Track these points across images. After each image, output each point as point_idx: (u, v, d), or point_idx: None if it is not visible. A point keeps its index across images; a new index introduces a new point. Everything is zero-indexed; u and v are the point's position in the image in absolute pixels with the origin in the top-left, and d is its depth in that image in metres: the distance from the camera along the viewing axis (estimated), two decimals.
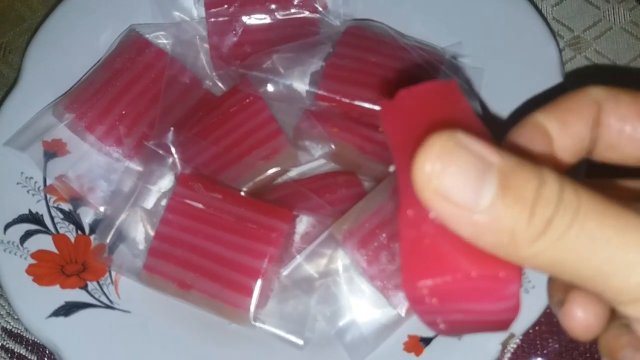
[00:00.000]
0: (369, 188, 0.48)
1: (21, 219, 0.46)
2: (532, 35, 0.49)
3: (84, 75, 0.50)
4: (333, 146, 0.48)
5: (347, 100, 0.46)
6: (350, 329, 0.44)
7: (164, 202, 0.46)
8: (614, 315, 0.27)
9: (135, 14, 0.52)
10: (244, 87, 0.48)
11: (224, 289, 0.43)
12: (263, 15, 0.50)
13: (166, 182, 0.48)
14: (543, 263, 0.22)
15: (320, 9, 0.51)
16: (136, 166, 0.48)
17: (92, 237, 0.47)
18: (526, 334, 0.46)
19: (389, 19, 0.51)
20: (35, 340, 0.48)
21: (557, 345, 0.46)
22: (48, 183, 0.47)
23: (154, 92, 0.49)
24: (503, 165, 0.21)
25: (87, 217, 0.48)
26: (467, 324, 0.24)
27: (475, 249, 0.22)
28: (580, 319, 0.27)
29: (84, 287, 0.45)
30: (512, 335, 0.43)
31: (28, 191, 0.47)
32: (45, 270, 0.45)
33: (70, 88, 0.49)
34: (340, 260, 0.45)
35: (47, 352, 0.48)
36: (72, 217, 0.47)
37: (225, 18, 0.50)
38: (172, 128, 0.47)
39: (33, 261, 0.45)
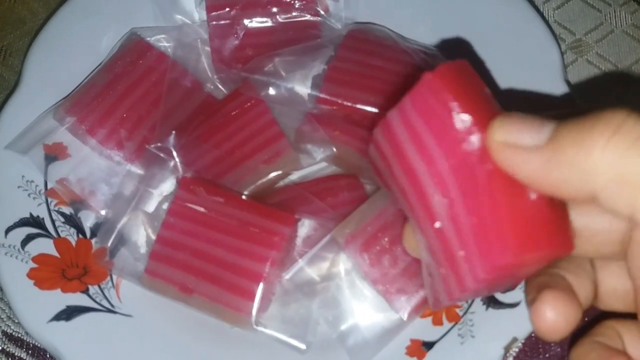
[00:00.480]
0: (371, 191, 0.48)
1: (22, 223, 0.46)
2: (534, 39, 0.49)
3: (85, 79, 0.49)
4: (335, 149, 0.48)
5: (349, 104, 0.46)
6: (353, 332, 0.44)
7: (165, 206, 0.46)
8: (587, 331, 0.28)
9: (137, 17, 0.52)
10: (245, 91, 0.48)
11: (226, 293, 0.43)
12: (265, 19, 0.50)
13: (168, 185, 0.48)
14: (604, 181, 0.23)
15: (322, 12, 0.51)
16: (137, 169, 0.48)
17: (93, 241, 0.47)
18: (528, 338, 0.46)
19: (391, 22, 0.52)
20: (36, 344, 0.48)
21: (559, 350, 0.46)
22: (49, 186, 0.47)
23: (155, 95, 0.49)
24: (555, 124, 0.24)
25: (88, 221, 0.47)
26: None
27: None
28: (549, 318, 0.27)
29: (85, 291, 0.45)
30: (514, 340, 0.42)
31: (29, 195, 0.47)
32: (47, 274, 0.45)
33: (72, 91, 0.49)
34: (343, 263, 0.45)
35: (48, 356, 0.48)
36: (73, 221, 0.47)
37: (227, 21, 0.50)
38: (173, 131, 0.47)
39: (34, 265, 0.45)
